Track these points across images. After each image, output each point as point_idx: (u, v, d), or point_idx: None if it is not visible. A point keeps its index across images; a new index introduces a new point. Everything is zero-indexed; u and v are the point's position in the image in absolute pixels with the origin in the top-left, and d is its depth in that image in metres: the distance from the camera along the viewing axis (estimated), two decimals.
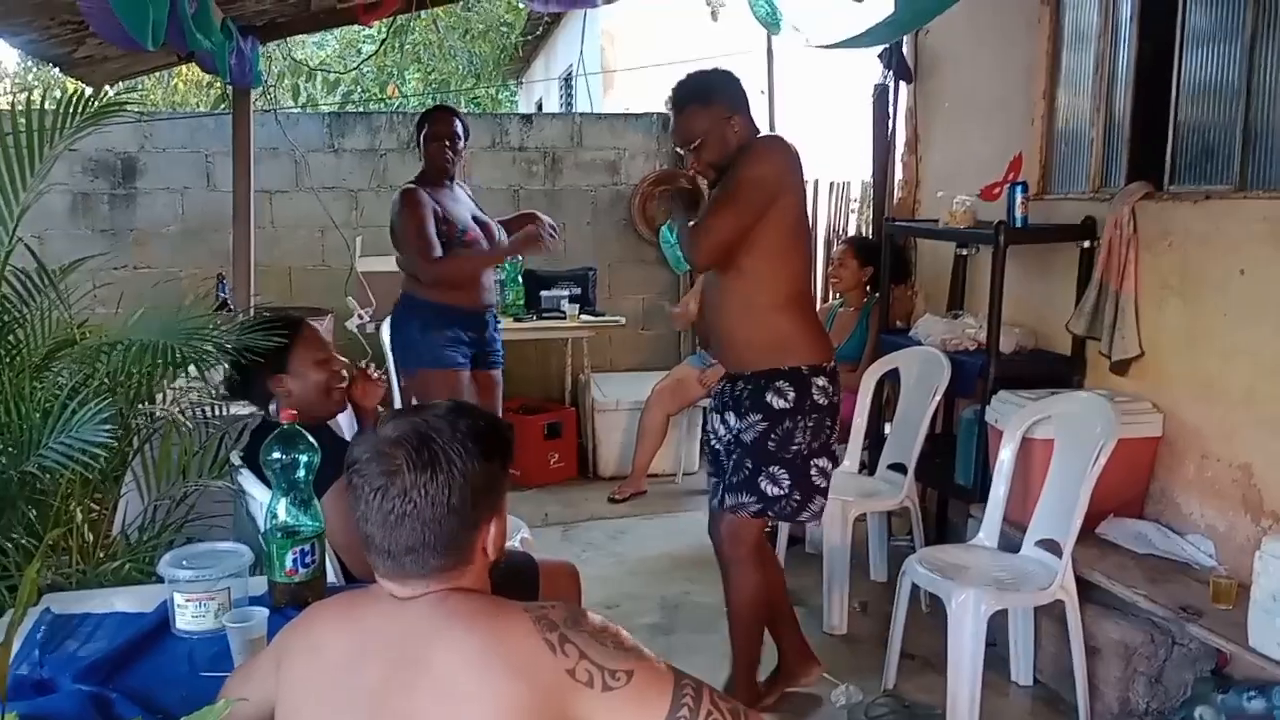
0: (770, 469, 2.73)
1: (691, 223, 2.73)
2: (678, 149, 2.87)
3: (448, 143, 3.76)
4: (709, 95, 2.72)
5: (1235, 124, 3.04)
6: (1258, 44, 2.97)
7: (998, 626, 3.14)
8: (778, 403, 2.71)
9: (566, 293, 5.48)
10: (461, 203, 3.85)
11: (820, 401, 2.73)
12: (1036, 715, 3.05)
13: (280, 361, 2.31)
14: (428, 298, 3.74)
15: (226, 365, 2.35)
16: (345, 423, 2.76)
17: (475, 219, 3.84)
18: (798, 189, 2.74)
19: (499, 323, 4.05)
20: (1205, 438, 3.08)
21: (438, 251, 3.65)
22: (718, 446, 2.92)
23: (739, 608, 2.90)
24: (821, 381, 2.74)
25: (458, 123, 3.82)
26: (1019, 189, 3.54)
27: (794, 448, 2.72)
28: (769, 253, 2.67)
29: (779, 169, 2.67)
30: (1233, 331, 2.98)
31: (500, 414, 4.11)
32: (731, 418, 2.82)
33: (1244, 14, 2.99)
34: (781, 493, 2.74)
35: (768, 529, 3.22)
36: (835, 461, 2.87)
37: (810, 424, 2.72)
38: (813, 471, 2.76)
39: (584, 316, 5.47)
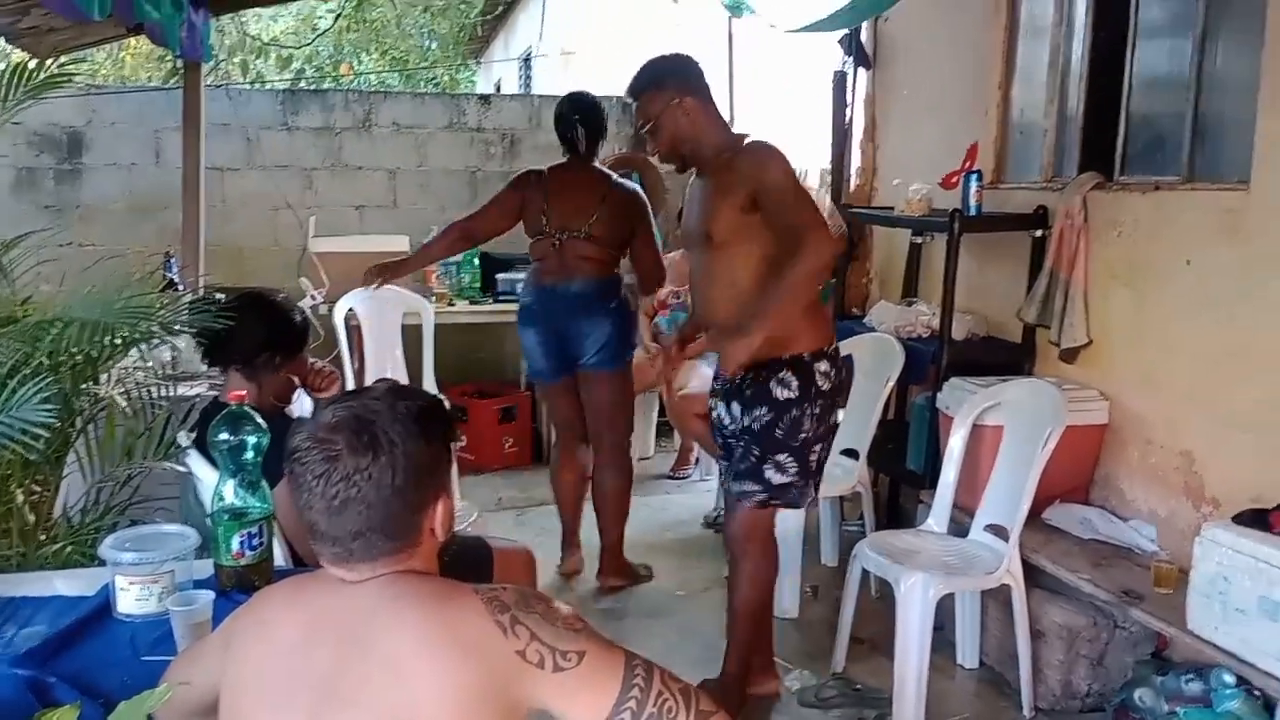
0: (777, 457, 2.70)
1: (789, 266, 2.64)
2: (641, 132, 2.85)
3: None
4: (660, 80, 2.72)
5: (1185, 116, 3.09)
6: (1208, 38, 3.02)
7: (946, 611, 3.18)
8: (782, 394, 2.67)
9: (523, 275, 5.43)
10: None
11: (824, 387, 2.70)
12: (981, 697, 3.10)
13: (296, 348, 2.40)
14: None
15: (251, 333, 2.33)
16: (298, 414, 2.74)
17: None
18: None
19: None
20: (1149, 425, 3.14)
21: None
22: (722, 432, 2.88)
23: (747, 598, 2.83)
24: (824, 366, 2.70)
25: None
26: (974, 178, 3.57)
27: (802, 435, 2.70)
28: (763, 243, 2.61)
29: (788, 162, 2.66)
30: (1178, 321, 3.04)
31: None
32: (736, 408, 2.77)
33: (1195, 8, 3.04)
34: (787, 480, 2.71)
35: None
36: (831, 445, 2.84)
37: (817, 410, 2.69)
38: (811, 456, 2.74)
39: None
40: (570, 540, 3.95)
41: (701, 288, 2.82)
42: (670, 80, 2.71)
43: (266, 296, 2.45)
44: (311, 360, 2.52)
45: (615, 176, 3.77)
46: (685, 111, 2.69)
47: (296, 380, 2.43)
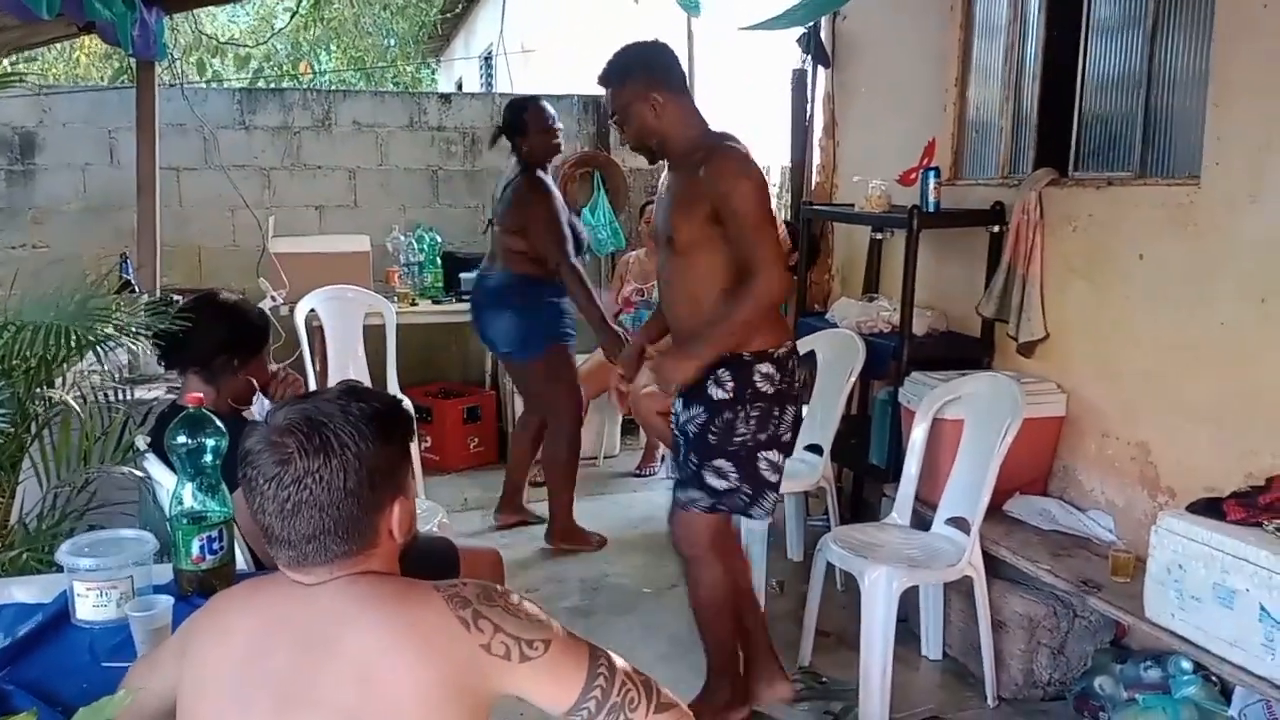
0: (714, 462, 2.61)
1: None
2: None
3: (557, 129, 3.96)
4: (629, 71, 2.65)
5: (1136, 113, 3.14)
6: (1158, 35, 3.07)
7: (909, 603, 3.22)
8: (717, 393, 2.59)
9: None
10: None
11: (764, 389, 2.58)
12: (945, 688, 3.13)
13: (255, 349, 2.38)
14: (547, 277, 3.91)
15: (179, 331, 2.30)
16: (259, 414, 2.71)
17: None
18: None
19: None
20: (1106, 417, 3.19)
21: (571, 247, 3.91)
22: (676, 433, 2.81)
23: (700, 606, 2.76)
24: (766, 368, 2.58)
25: (553, 110, 4.02)
26: (932, 174, 3.61)
27: (737, 439, 2.59)
28: (723, 248, 2.55)
29: (757, 172, 2.58)
30: (1132, 314, 3.09)
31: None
32: (680, 404, 2.72)
33: (1145, 5, 3.09)
34: (729, 486, 2.62)
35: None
36: (787, 452, 2.71)
37: (755, 414, 2.59)
38: (761, 465, 2.62)
39: None
40: (508, 498, 4.38)
41: (665, 289, 2.77)
42: (639, 72, 2.63)
43: (223, 297, 2.43)
44: (275, 368, 2.50)
45: (528, 171, 3.97)
46: (653, 105, 2.60)
47: (256, 383, 2.40)
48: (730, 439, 2.61)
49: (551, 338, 4.03)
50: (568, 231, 3.92)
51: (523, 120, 3.96)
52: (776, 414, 2.63)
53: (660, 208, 2.80)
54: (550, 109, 4.00)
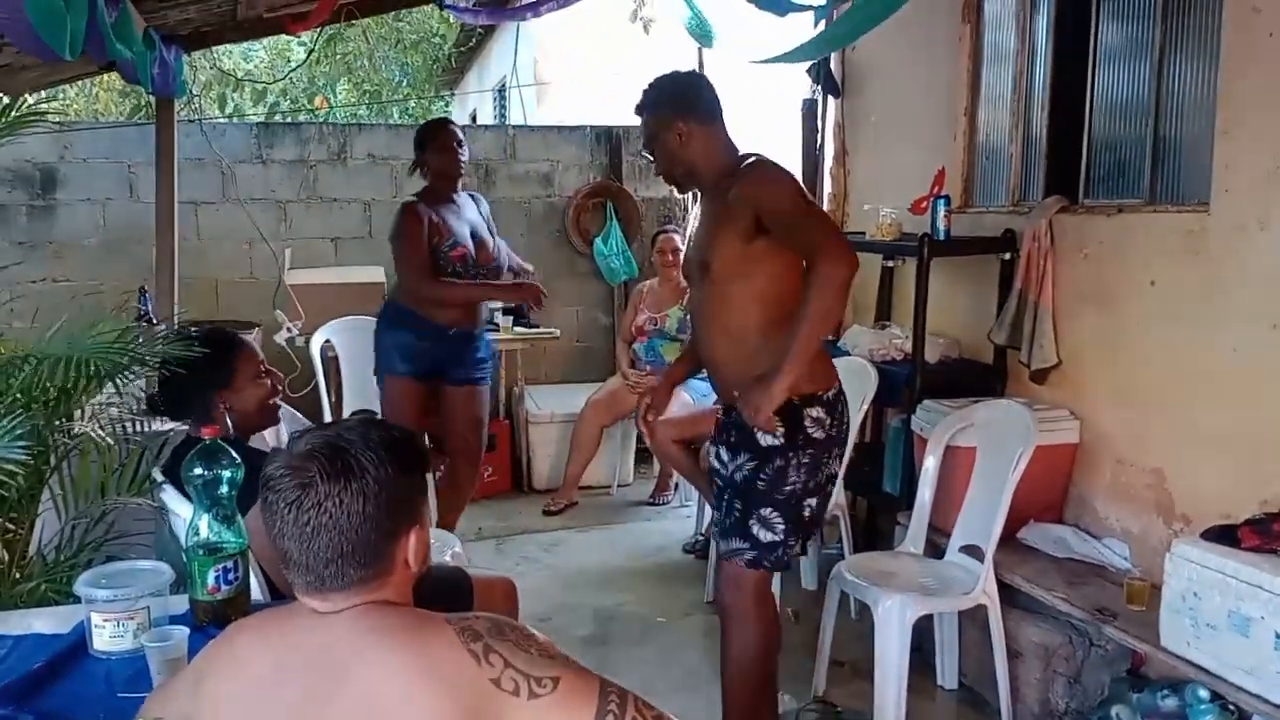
0: (762, 511, 2.49)
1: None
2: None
3: (458, 149, 3.87)
4: (659, 101, 2.61)
5: (1145, 139, 3.16)
6: (1165, 62, 3.09)
7: (924, 632, 3.20)
8: (765, 440, 2.46)
9: (500, 305, 5.46)
10: (464, 215, 3.92)
11: (815, 435, 2.47)
12: (961, 718, 3.11)
13: (225, 378, 2.33)
14: (408, 306, 3.85)
15: (156, 384, 2.31)
16: (273, 440, 2.73)
17: (474, 234, 3.90)
18: None
19: (481, 339, 4.05)
20: (1120, 444, 3.18)
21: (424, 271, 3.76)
22: (716, 480, 2.68)
23: (737, 663, 2.59)
24: (816, 413, 2.47)
25: (458, 131, 3.92)
26: (942, 202, 3.62)
27: (788, 488, 2.48)
28: (763, 274, 2.45)
29: (789, 173, 2.51)
30: (1144, 341, 3.09)
31: (483, 428, 4.12)
32: (725, 453, 2.59)
33: (1153, 33, 3.12)
34: (776, 538, 2.50)
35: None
36: (827, 498, 2.62)
37: (805, 460, 2.47)
38: (805, 512, 2.54)
39: (518, 329, 5.45)
40: None
41: (700, 324, 2.67)
42: (669, 102, 2.59)
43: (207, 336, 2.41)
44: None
45: (422, 192, 3.91)
46: (680, 135, 2.55)
47: (223, 422, 2.32)
48: (781, 487, 2.49)
49: (381, 367, 3.92)
50: (419, 262, 3.73)
51: (424, 139, 3.90)
52: (825, 460, 2.54)
53: (694, 240, 2.74)
54: (457, 131, 3.88)
